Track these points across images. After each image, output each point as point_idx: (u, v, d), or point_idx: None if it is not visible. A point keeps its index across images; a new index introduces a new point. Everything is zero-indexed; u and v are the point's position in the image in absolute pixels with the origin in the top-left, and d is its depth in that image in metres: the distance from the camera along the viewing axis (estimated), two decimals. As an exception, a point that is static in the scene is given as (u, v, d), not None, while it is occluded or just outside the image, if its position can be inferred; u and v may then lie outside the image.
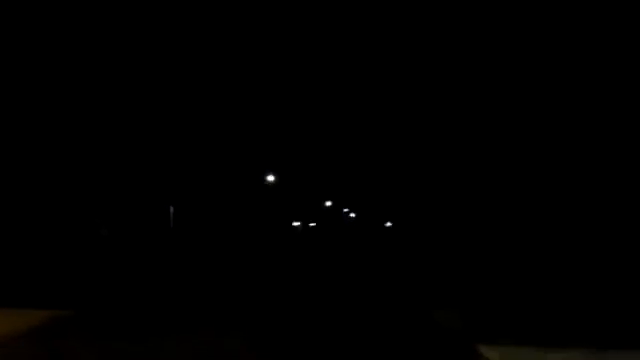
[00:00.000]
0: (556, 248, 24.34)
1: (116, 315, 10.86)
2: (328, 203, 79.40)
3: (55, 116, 27.71)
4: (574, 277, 18.18)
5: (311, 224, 75.22)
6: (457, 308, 12.75)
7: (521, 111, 28.39)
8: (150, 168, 34.99)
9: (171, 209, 38.20)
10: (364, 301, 14.23)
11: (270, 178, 56.90)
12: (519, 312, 12.33)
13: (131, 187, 33.29)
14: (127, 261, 21.77)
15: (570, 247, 23.52)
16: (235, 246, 38.27)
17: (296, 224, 67.77)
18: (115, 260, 21.65)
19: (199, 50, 36.91)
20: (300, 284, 17.42)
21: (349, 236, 64.84)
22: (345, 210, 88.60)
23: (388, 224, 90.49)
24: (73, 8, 27.27)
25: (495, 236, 31.00)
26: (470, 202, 38.27)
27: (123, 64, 30.97)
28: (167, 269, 20.29)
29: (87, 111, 29.44)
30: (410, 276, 19.80)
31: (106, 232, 30.31)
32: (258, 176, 54.27)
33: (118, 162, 31.88)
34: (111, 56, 30.00)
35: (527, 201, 28.49)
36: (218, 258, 27.38)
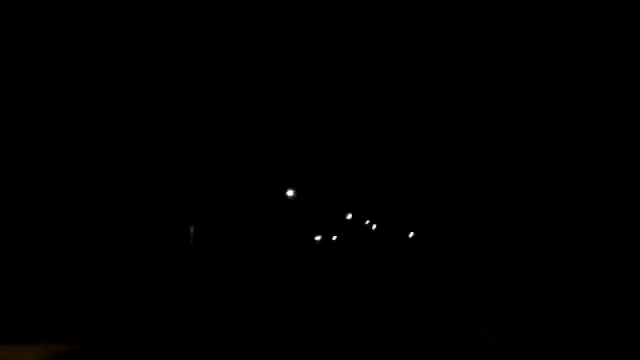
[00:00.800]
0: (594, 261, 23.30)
1: (130, 347, 10.26)
2: (349, 216, 78.55)
3: (72, 138, 27.38)
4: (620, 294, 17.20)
5: (333, 237, 74.37)
6: (500, 322, 11.94)
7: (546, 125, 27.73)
8: (168, 188, 34.59)
9: (191, 229, 37.74)
10: (400, 315, 13.52)
11: (290, 193, 56.45)
12: (564, 327, 11.49)
13: (149, 208, 32.87)
14: (146, 285, 21.23)
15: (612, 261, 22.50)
16: (257, 263, 37.68)
17: (318, 238, 67.00)
18: (134, 284, 21.12)
19: (217, 67, 36.67)
20: (330, 302, 16.75)
21: (374, 249, 63.89)
22: (367, 222, 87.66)
23: (411, 234, 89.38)
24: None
25: (530, 244, 29.98)
26: (496, 209, 37.33)
27: (142, 84, 30.68)
28: (187, 292, 19.70)
29: (102, 134, 29.12)
30: (444, 287, 19.03)
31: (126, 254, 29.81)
32: (277, 191, 53.76)
33: (134, 181, 31.50)
34: (132, 75, 29.70)
35: (560, 210, 27.54)
36: (240, 277, 26.77)
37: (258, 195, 48.36)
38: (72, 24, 26.36)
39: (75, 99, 26.87)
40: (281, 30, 41.08)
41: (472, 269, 25.42)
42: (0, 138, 23.83)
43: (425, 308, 14.79)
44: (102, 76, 27.92)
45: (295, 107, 49.21)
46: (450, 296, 16.79)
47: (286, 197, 55.92)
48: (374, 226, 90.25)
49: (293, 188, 56.00)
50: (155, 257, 31.33)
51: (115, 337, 11.08)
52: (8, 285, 17.75)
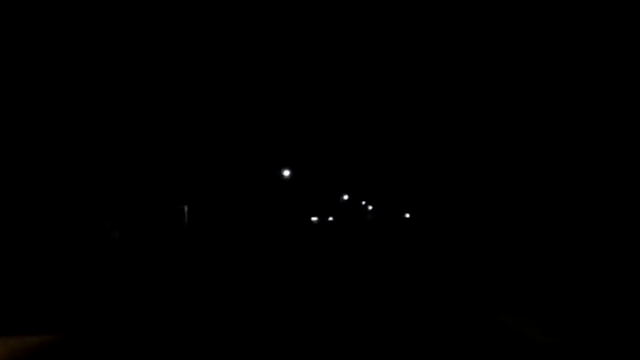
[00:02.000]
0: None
1: (117, 338, 9.00)
2: (345, 197, 77.64)
3: (60, 115, 26.21)
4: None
5: (329, 218, 73.41)
6: (526, 312, 10.72)
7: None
8: (162, 167, 33.43)
9: (185, 208, 36.64)
10: (416, 303, 12.28)
11: (285, 173, 55.31)
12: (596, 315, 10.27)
13: (143, 188, 31.71)
14: (141, 267, 19.96)
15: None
16: (252, 244, 36.56)
17: (314, 219, 66.06)
18: (128, 267, 19.84)
19: (213, 47, 35.57)
20: (332, 287, 15.53)
21: (373, 233, 62.72)
22: (363, 203, 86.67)
23: (407, 215, 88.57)
24: (78, 8, 26.15)
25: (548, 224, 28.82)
26: (494, 192, 36.20)
27: (133, 62, 29.58)
28: (183, 275, 18.45)
29: (95, 110, 27.98)
30: (456, 272, 17.81)
31: (117, 235, 28.63)
32: (273, 172, 52.72)
33: (128, 162, 30.32)
34: (121, 54, 28.68)
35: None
36: (235, 259, 25.55)
37: (254, 175, 47.20)
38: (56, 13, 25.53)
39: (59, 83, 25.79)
40: (272, 11, 39.94)
41: (477, 254, 24.23)
42: None
43: (435, 299, 13.50)
44: (86, 58, 26.91)
45: (292, 87, 48.01)
46: (461, 283, 15.54)
47: (282, 177, 54.74)
48: (370, 207, 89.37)
49: (289, 168, 54.85)
50: (148, 238, 30.09)
51: (101, 325, 9.82)
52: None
